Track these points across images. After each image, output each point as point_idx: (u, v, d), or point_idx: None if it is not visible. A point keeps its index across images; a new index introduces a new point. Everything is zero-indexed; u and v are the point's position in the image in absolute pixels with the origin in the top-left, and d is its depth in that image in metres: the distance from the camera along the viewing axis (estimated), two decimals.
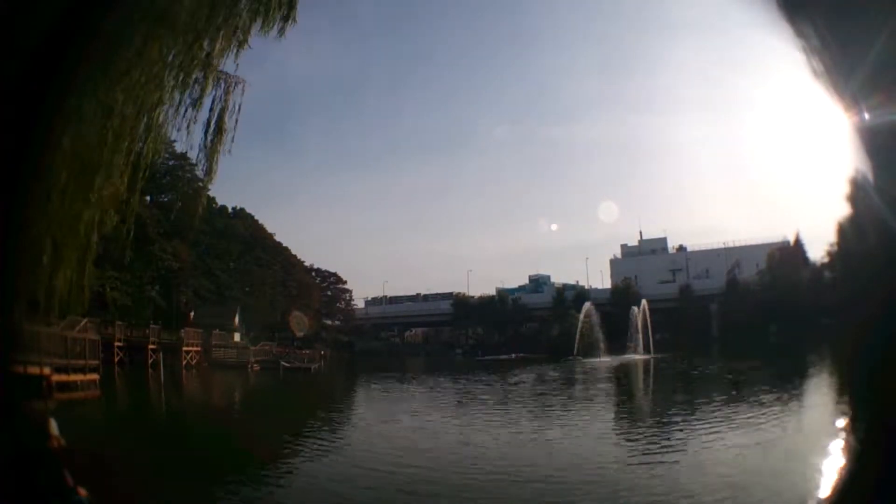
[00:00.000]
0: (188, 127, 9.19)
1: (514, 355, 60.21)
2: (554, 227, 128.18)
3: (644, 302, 56.01)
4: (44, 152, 5.33)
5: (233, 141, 9.85)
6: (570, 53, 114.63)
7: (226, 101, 9.58)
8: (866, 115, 3.10)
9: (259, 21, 8.89)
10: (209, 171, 10.04)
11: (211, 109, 9.45)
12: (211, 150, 9.66)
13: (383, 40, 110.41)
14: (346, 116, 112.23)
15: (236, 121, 9.78)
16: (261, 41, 9.30)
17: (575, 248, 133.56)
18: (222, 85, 9.44)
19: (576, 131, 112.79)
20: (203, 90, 9.02)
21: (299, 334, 63.10)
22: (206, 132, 9.51)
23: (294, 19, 9.32)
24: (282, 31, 9.21)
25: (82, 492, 5.76)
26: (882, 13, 2.87)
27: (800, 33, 3.62)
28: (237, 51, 8.89)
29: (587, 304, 57.03)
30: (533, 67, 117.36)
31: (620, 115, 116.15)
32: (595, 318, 58.35)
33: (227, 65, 9.25)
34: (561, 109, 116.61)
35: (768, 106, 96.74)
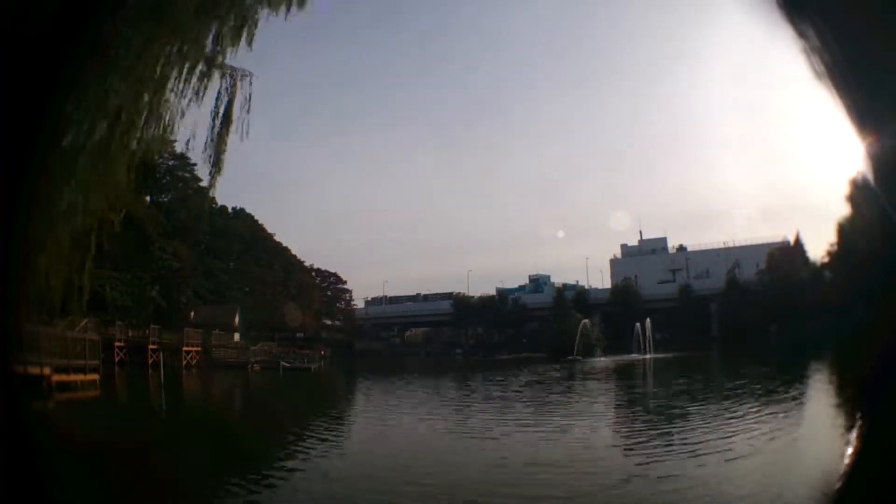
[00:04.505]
0: (194, 122, 9.15)
1: (513, 355, 60.27)
2: (560, 233, 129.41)
3: (648, 321, 56.19)
4: (47, 151, 5.34)
5: (246, 131, 9.76)
6: (570, 51, 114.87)
7: (233, 92, 9.52)
8: (886, 139, 3.10)
9: (266, 9, 8.82)
10: (216, 164, 9.93)
11: (217, 100, 9.38)
12: (218, 142, 9.58)
13: (385, 34, 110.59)
14: (348, 112, 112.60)
15: (248, 111, 9.70)
16: (265, 38, 9.26)
17: (575, 247, 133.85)
18: (228, 78, 9.39)
19: (575, 127, 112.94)
20: (208, 82, 8.97)
21: (295, 330, 63.07)
22: (213, 123, 9.43)
23: (302, 4, 9.18)
24: (302, 5, 9.02)
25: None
26: None
27: (800, 33, 3.63)
28: (248, 38, 8.82)
29: (584, 321, 57.28)
30: (531, 65, 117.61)
31: (621, 115, 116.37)
32: (595, 322, 58.40)
33: (236, 58, 9.22)
34: (561, 106, 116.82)
35: (768, 105, 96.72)
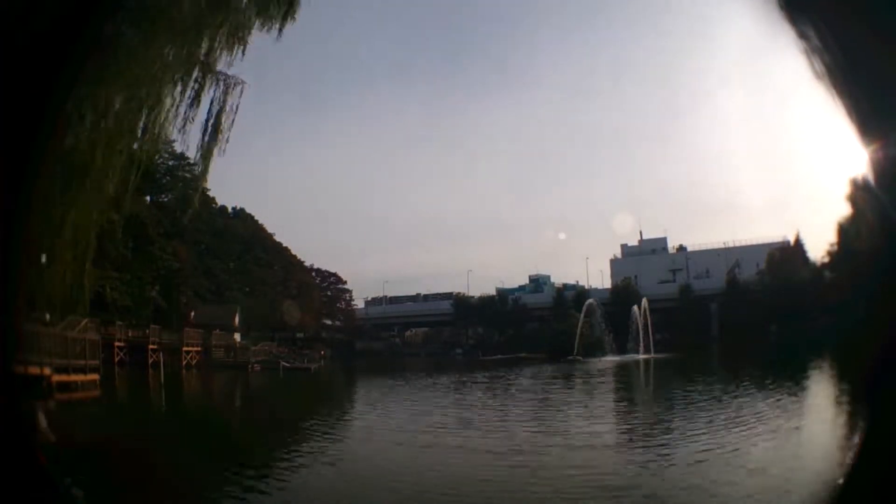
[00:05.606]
0: (185, 126, 9.21)
1: (513, 355, 60.27)
2: (562, 235, 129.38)
3: (644, 301, 56.04)
4: (45, 153, 5.34)
5: (227, 142, 9.88)
6: (570, 50, 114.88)
7: (224, 101, 9.59)
8: (890, 147, 3.09)
9: (259, 20, 8.90)
10: (203, 171, 10.06)
11: (209, 111, 9.46)
12: (206, 151, 9.68)
13: (385, 33, 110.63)
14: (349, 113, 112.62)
15: (232, 122, 9.77)
16: (263, 36, 9.29)
17: (575, 247, 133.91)
18: (221, 85, 9.44)
19: (576, 125, 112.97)
20: (201, 90, 9.03)
21: (295, 330, 63.06)
22: (203, 133, 9.52)
23: (293, 17, 9.32)
24: (281, 29, 9.20)
25: (78, 494, 5.77)
26: None
27: (800, 34, 3.62)
28: (241, 49, 8.89)
29: (589, 301, 57.09)
30: (532, 63, 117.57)
31: (621, 115, 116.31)
32: (596, 317, 58.35)
33: (230, 63, 9.25)
34: (561, 103, 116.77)
35: (770, 104, 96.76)
